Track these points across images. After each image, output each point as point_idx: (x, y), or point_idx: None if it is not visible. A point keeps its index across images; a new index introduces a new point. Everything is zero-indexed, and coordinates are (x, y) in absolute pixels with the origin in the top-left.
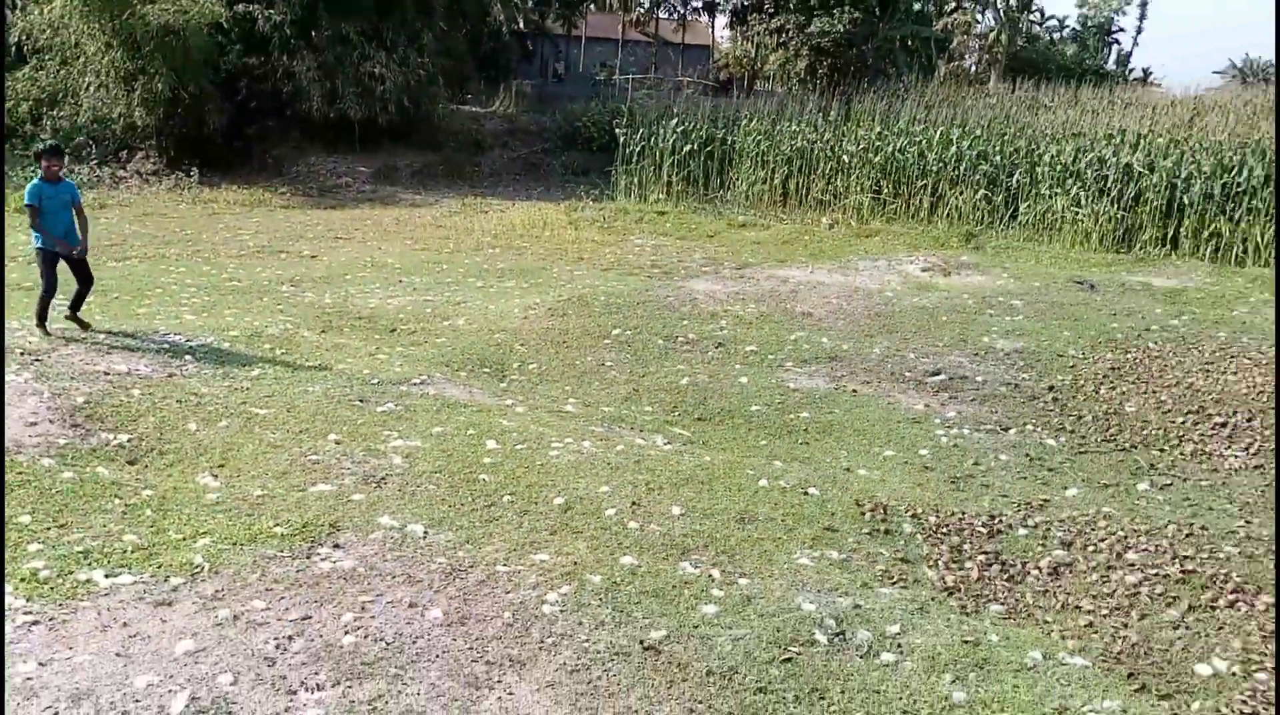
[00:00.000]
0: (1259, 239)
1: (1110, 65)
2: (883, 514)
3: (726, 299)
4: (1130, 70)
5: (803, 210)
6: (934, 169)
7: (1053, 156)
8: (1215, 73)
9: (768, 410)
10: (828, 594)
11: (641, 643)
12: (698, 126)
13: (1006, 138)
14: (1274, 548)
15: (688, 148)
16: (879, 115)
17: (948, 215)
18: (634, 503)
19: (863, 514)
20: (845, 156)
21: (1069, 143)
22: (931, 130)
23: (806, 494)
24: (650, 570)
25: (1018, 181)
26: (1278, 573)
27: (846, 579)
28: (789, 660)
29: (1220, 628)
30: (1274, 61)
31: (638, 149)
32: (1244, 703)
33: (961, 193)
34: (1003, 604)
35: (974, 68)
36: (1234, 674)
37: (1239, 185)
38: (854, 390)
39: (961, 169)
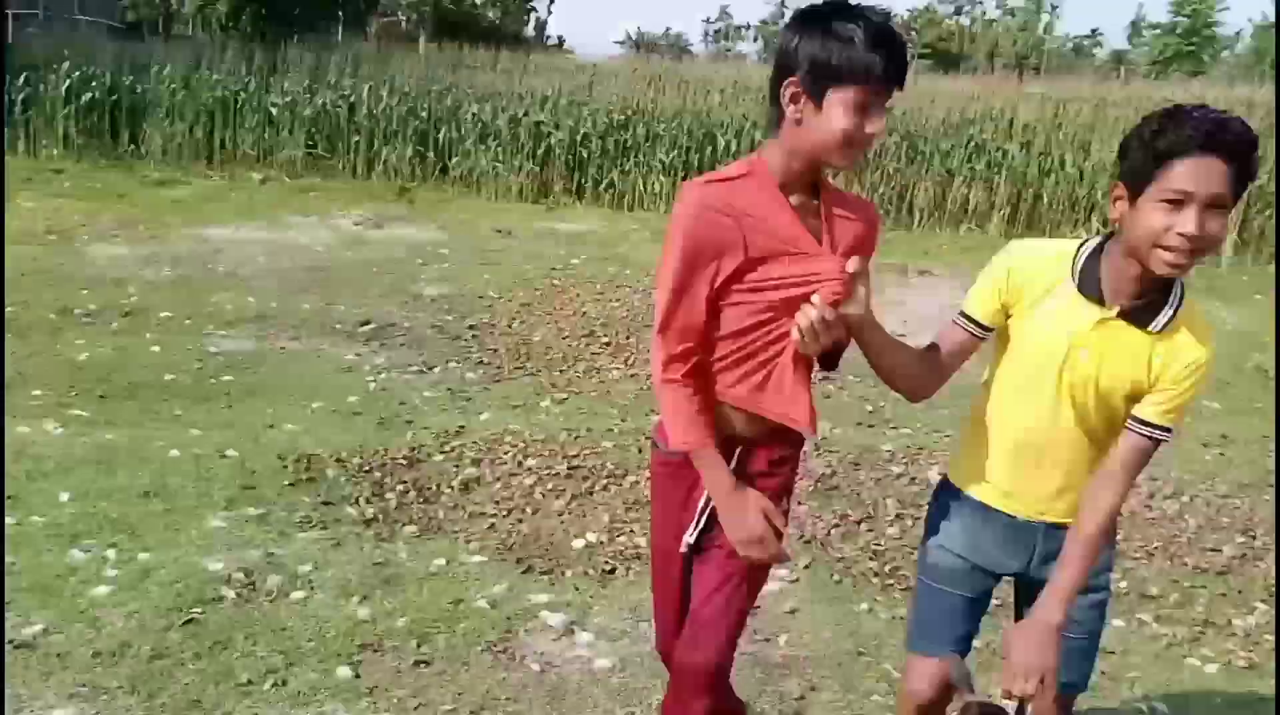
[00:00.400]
0: (643, 188)
1: (529, 32)
2: (307, 464)
3: (137, 263)
4: (548, 37)
5: (231, 166)
6: (366, 125)
7: (473, 115)
8: (616, 42)
9: (185, 378)
10: (239, 550)
11: (11, 642)
12: (100, 73)
13: (434, 95)
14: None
15: (88, 96)
16: (307, 69)
17: (384, 172)
18: (11, 497)
19: (284, 467)
20: (273, 110)
21: (488, 102)
22: (362, 85)
23: (224, 456)
24: (29, 565)
25: (445, 138)
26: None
27: (262, 532)
28: (190, 621)
29: (595, 508)
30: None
31: (21, 97)
32: (606, 562)
33: (395, 149)
34: (416, 525)
35: (404, 25)
36: (601, 542)
37: (627, 142)
38: (282, 347)
39: (393, 125)
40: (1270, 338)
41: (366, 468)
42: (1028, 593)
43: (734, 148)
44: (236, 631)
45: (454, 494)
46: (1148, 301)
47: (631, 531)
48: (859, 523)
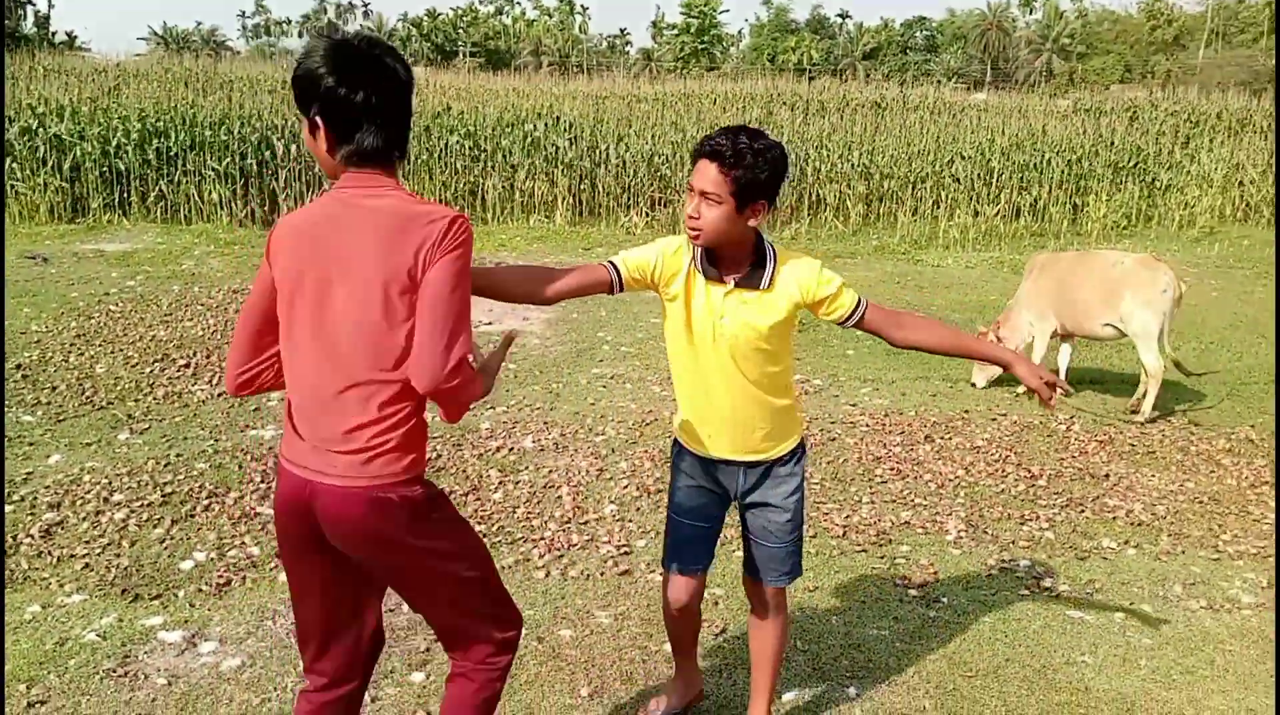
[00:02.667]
0: (199, 199)
1: (28, 27)
2: None
3: None
4: (54, 34)
5: None
6: None
7: None
8: (140, 39)
9: None
10: None
11: None
12: None
13: None
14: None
15: None
16: None
17: None
18: None
19: None
20: None
21: None
22: None
23: None
24: None
25: None
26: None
27: None
28: None
29: (199, 529)
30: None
31: None
32: (220, 576)
33: None
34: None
35: None
36: (211, 559)
37: (169, 149)
38: None
39: None
40: None
41: None
42: (748, 511)
43: (294, 152)
44: None
45: (35, 541)
46: (748, 271)
47: (243, 544)
48: (465, 495)
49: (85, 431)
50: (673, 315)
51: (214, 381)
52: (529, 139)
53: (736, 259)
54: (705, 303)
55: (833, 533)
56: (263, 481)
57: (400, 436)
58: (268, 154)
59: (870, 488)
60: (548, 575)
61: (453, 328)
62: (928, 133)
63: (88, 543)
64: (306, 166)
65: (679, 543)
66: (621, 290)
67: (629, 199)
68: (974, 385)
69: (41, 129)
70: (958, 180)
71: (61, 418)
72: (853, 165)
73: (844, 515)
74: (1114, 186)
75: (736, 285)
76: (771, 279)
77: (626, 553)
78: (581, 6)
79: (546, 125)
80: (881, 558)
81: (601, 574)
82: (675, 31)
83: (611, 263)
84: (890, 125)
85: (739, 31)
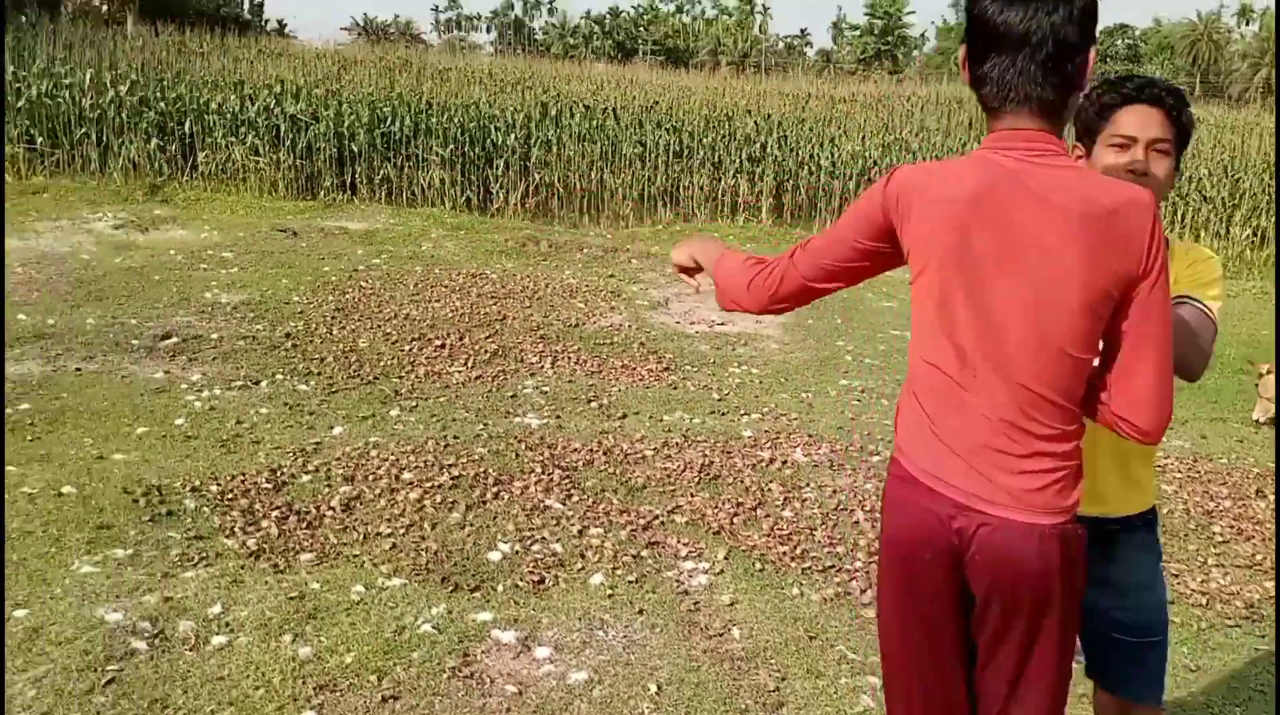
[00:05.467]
0: (423, 183)
1: (245, 14)
2: (159, 496)
3: None
4: (266, 20)
5: None
6: (91, 116)
7: (219, 105)
8: (343, 29)
9: None
10: (129, 597)
11: None
12: None
13: (165, 83)
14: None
15: None
16: (9, 53)
17: (123, 167)
18: None
19: (136, 501)
20: None
21: (232, 91)
22: (81, 72)
23: (60, 494)
24: None
25: (190, 130)
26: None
27: (143, 575)
28: (113, 681)
29: (495, 517)
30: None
31: None
32: (532, 572)
33: (133, 142)
34: (311, 551)
35: (104, 4)
36: (517, 551)
37: (394, 135)
38: (77, 369)
39: (124, 116)
40: None
41: (229, 495)
42: (1092, 589)
43: (510, 141)
44: (171, 687)
45: (338, 515)
46: None
47: (544, 539)
48: (754, 509)
49: (359, 405)
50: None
51: (469, 363)
52: (735, 137)
53: None
54: None
55: (1193, 601)
56: (543, 472)
57: (1074, 466)
58: (488, 142)
59: (1212, 548)
60: (874, 612)
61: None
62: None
63: (389, 521)
64: (521, 157)
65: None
66: None
67: (832, 202)
68: (1257, 421)
69: (279, 107)
70: (1207, 199)
71: (334, 389)
72: None
73: (1197, 579)
74: None
75: None
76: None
77: None
78: (763, 6)
79: (757, 124)
80: (1262, 637)
81: None
82: (858, 32)
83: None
84: None
85: (922, 35)
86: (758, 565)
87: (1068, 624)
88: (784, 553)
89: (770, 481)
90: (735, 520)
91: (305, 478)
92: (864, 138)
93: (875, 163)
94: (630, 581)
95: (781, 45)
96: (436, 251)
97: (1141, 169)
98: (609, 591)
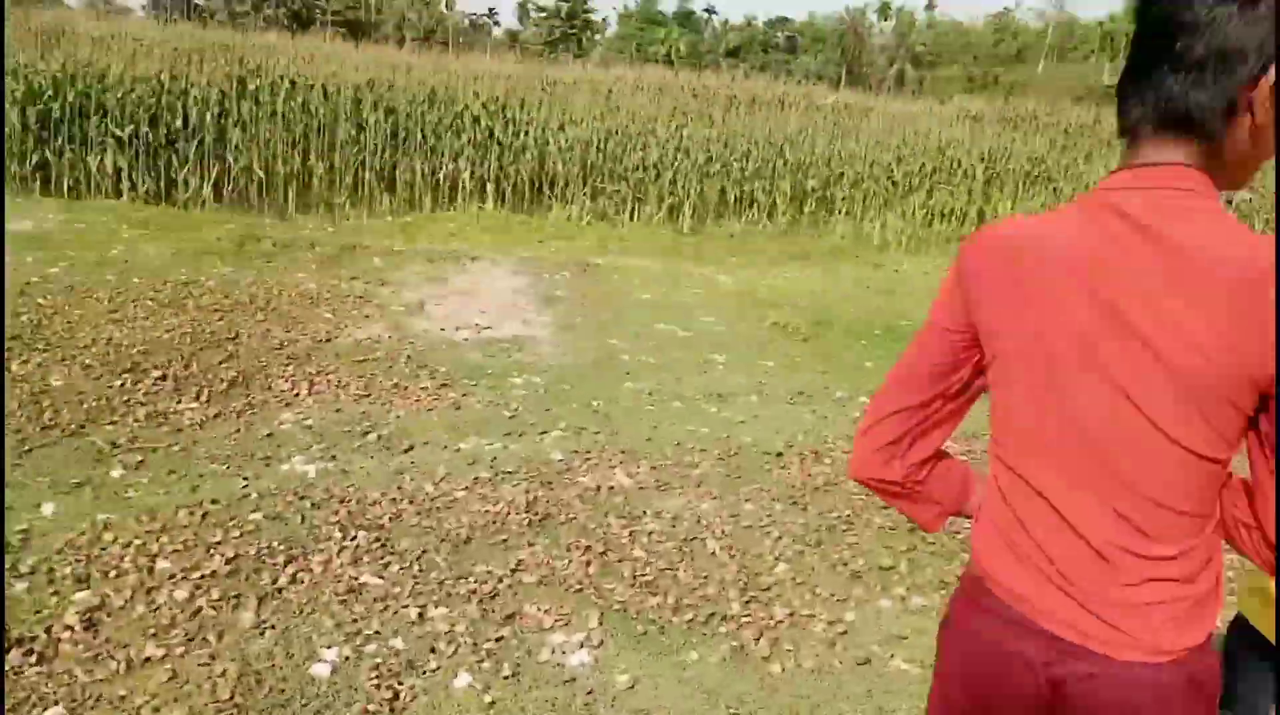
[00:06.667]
0: (95, 171)
1: None
2: None
3: None
4: None
5: None
6: None
7: None
8: None
9: None
10: None
11: None
12: None
13: None
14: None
15: None
16: None
17: None
18: None
19: None
20: None
21: None
22: None
23: None
24: None
25: None
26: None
27: None
28: None
29: (302, 611)
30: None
31: None
32: (378, 688)
33: None
34: (58, 703)
35: None
36: (348, 659)
37: (54, 114)
38: None
39: None
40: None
41: None
42: None
43: (205, 121)
44: None
45: (79, 636)
46: None
47: (377, 633)
48: (603, 554)
49: (66, 466)
50: None
51: (203, 398)
52: (455, 119)
53: None
54: None
55: None
56: (345, 537)
57: (1200, 591)
58: (173, 123)
59: None
60: (783, 669)
61: None
62: (842, 132)
63: (156, 637)
64: (215, 139)
65: None
66: None
67: (563, 187)
68: None
69: None
70: (895, 182)
71: (27, 448)
72: (785, 162)
73: None
74: (1022, 192)
75: None
76: None
77: (844, 632)
78: None
79: (483, 106)
80: None
81: (839, 664)
82: (544, 14)
83: None
84: (800, 123)
85: (604, 19)
86: (639, 627)
87: None
88: (659, 605)
89: (606, 515)
90: (589, 571)
91: (19, 587)
92: (586, 121)
93: (599, 147)
94: (505, 678)
95: (467, 23)
96: (131, 255)
97: None
98: (487, 699)
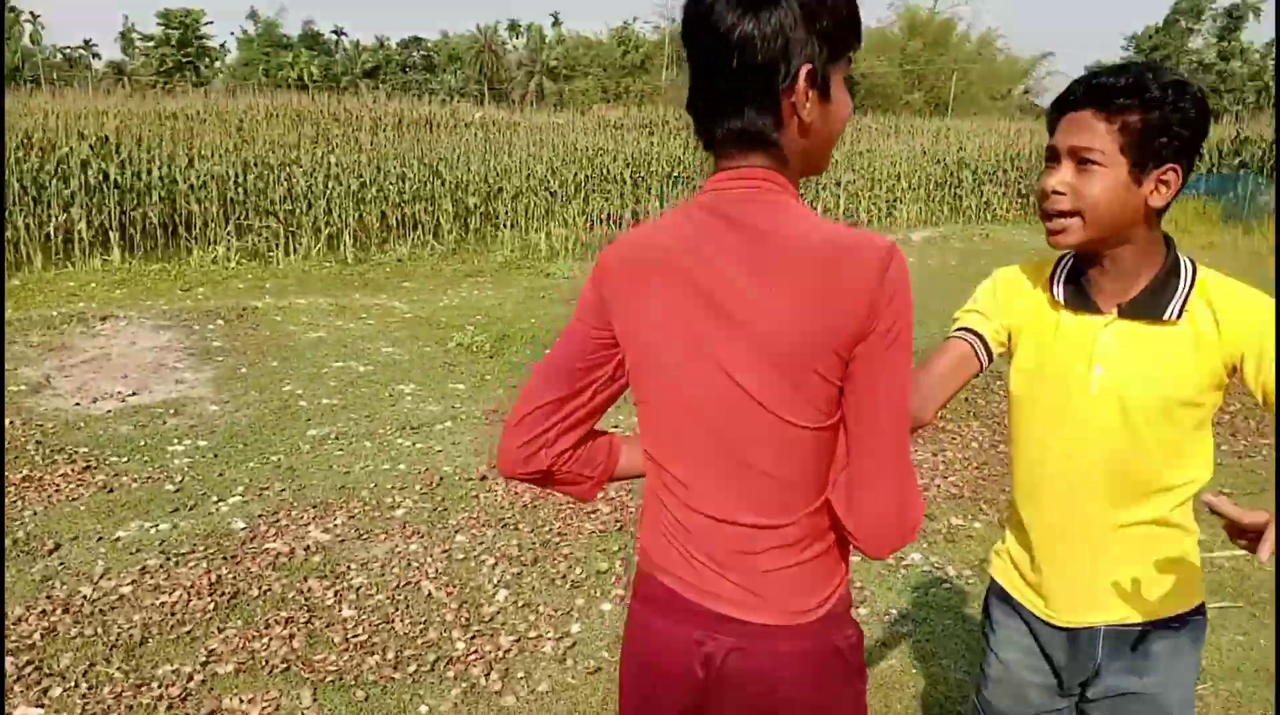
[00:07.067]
0: None
1: None
2: None
3: None
4: None
5: None
6: None
7: None
8: None
9: None
10: None
11: None
12: None
13: None
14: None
15: None
16: None
17: None
18: None
19: None
20: None
21: None
22: None
23: None
24: None
25: None
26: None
27: None
28: None
29: None
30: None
31: None
32: None
33: None
34: None
35: None
36: None
37: None
38: None
39: None
40: None
41: None
42: (1090, 707)
43: None
44: None
45: None
46: (1148, 289)
47: None
48: (308, 622)
49: None
50: (1018, 371)
51: None
52: (60, 165)
53: (1125, 270)
54: (1068, 347)
55: None
56: None
57: (819, 554)
58: None
59: None
60: (517, 699)
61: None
62: (494, 148)
63: None
64: None
65: None
66: (990, 362)
67: (201, 228)
68: None
69: None
70: (553, 192)
71: None
72: (443, 182)
73: None
74: (668, 192)
75: (1123, 313)
76: (1184, 305)
77: (572, 645)
78: (30, 14)
79: (91, 148)
80: None
81: (572, 678)
82: (153, 43)
83: (966, 331)
84: (451, 141)
85: (222, 45)
86: (359, 693)
87: None
88: (378, 664)
89: (305, 579)
90: (294, 645)
91: None
92: (218, 155)
93: (237, 181)
94: None
95: (60, 57)
96: None
97: (1059, 191)
98: None
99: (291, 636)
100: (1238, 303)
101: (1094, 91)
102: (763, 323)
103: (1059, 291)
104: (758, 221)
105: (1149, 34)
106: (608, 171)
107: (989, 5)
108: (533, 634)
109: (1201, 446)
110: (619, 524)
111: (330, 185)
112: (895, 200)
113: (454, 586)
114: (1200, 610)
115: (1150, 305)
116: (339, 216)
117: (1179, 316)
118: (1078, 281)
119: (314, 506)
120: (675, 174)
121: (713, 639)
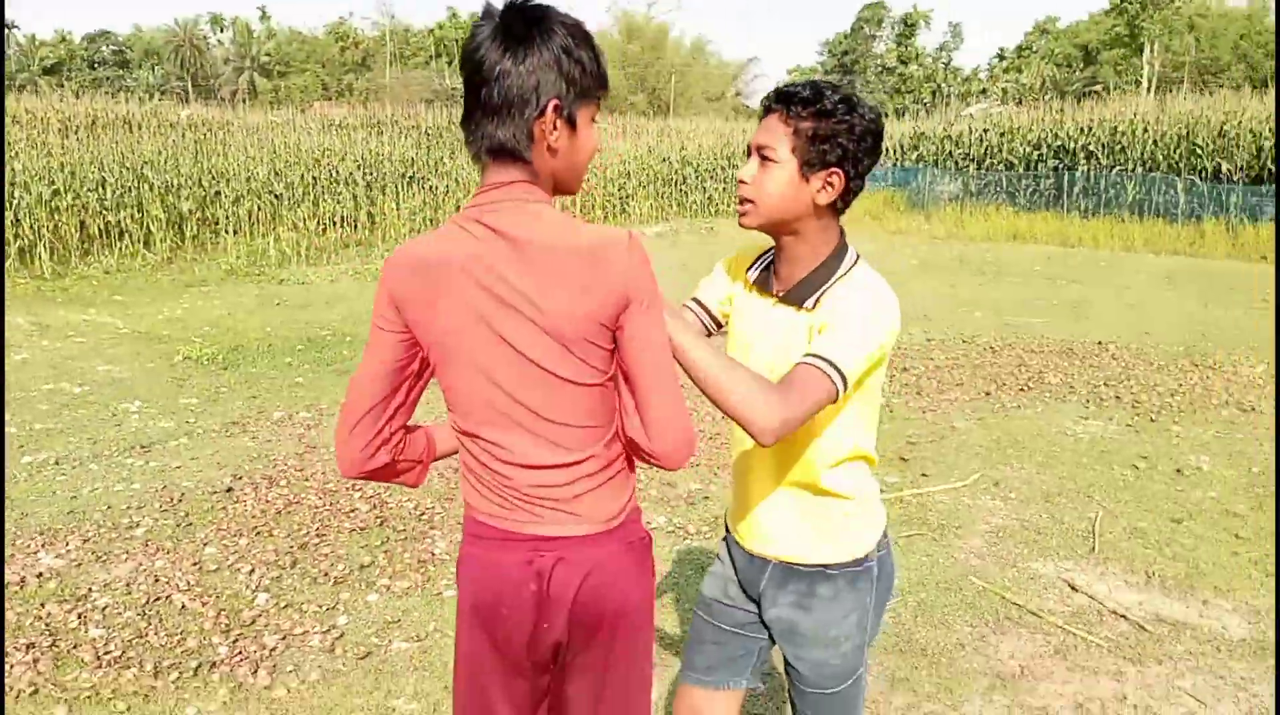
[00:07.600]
0: None
1: None
2: None
3: None
4: None
5: None
6: None
7: None
8: None
9: None
10: None
11: None
12: None
13: None
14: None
15: None
16: None
17: None
18: None
19: None
20: None
21: None
22: None
23: None
24: None
25: None
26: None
27: None
28: None
29: None
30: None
31: None
32: None
33: None
34: None
35: None
36: None
37: None
38: None
39: None
40: None
41: None
42: (774, 633)
43: None
44: None
45: None
46: (803, 281)
47: None
48: (51, 646)
49: None
50: (728, 339)
51: None
52: None
53: (797, 258)
54: (746, 320)
55: None
56: None
57: (611, 478)
58: None
59: None
60: (288, 690)
61: None
62: (207, 150)
63: None
64: None
65: (693, 643)
66: (720, 329)
67: None
68: None
69: None
70: (278, 196)
71: None
72: (150, 186)
73: None
74: (404, 192)
75: (782, 297)
76: (820, 298)
77: (340, 636)
78: None
79: None
80: None
81: (343, 665)
82: None
83: (694, 301)
84: (156, 143)
85: None
86: (120, 705)
87: (646, 645)
88: (136, 676)
89: (43, 605)
90: (40, 670)
91: None
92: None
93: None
94: None
95: None
96: None
97: (743, 180)
98: None
99: (36, 661)
100: (840, 294)
101: (781, 99)
102: (542, 311)
103: (752, 273)
104: (519, 231)
105: (839, 40)
106: (337, 173)
107: (695, 10)
108: (298, 631)
109: (851, 421)
110: (380, 520)
111: (17, 194)
112: (627, 197)
113: (209, 596)
114: (859, 563)
115: (798, 295)
116: (30, 227)
117: (814, 307)
118: (769, 266)
119: (40, 534)
120: (410, 174)
121: (540, 556)
